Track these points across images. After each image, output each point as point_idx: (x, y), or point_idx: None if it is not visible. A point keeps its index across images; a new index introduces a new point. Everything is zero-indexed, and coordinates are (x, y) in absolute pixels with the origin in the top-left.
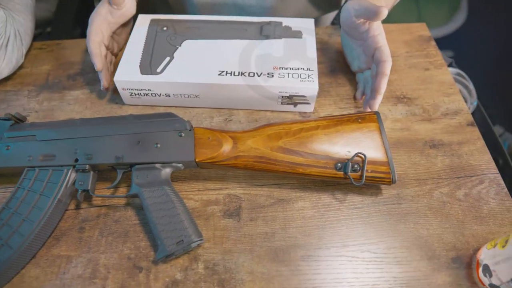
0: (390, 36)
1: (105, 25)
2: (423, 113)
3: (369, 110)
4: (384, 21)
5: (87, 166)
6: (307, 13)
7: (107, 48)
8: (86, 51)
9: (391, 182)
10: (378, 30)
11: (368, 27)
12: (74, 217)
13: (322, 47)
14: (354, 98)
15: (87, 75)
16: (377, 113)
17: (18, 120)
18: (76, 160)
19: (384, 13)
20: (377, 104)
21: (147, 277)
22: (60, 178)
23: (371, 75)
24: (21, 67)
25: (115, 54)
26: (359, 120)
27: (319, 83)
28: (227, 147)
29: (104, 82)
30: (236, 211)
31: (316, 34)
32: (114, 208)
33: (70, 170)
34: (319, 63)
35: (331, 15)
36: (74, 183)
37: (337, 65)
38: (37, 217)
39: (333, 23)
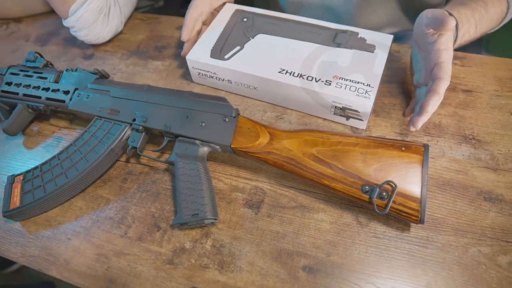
0: (481, 68)
1: (207, 2)
2: (490, 161)
3: (412, 128)
4: (479, 51)
5: (141, 127)
6: (394, 21)
7: (205, 23)
8: (177, 29)
9: (418, 221)
10: (444, 44)
11: (435, 39)
12: (121, 168)
13: (398, 66)
14: (403, 114)
15: (171, 49)
16: (425, 145)
17: (103, 76)
18: (134, 120)
19: (450, 24)
20: (420, 122)
21: (162, 237)
22: (118, 131)
23: (426, 91)
24: (121, 32)
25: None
26: (403, 148)
27: (382, 103)
28: (263, 141)
29: (184, 51)
30: (257, 203)
31: (397, 52)
32: (155, 170)
33: (127, 127)
34: (388, 81)
35: None
36: (127, 139)
37: (408, 88)
38: (92, 158)
39: None
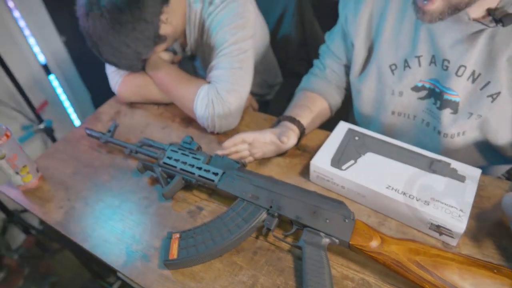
0: None
1: (260, 141)
2: None
3: None
4: None
5: (276, 214)
6: (473, 161)
7: (250, 151)
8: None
9: None
10: None
11: None
12: (252, 243)
13: (487, 195)
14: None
15: (291, 150)
16: None
17: (243, 166)
18: (271, 207)
19: None
20: None
21: None
22: (257, 213)
23: None
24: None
25: (255, 158)
26: (495, 271)
27: (471, 225)
28: (375, 243)
29: (219, 152)
30: None
31: (482, 181)
32: (280, 249)
33: (264, 211)
34: (478, 208)
35: (504, 167)
36: (263, 220)
37: (495, 216)
38: (235, 232)
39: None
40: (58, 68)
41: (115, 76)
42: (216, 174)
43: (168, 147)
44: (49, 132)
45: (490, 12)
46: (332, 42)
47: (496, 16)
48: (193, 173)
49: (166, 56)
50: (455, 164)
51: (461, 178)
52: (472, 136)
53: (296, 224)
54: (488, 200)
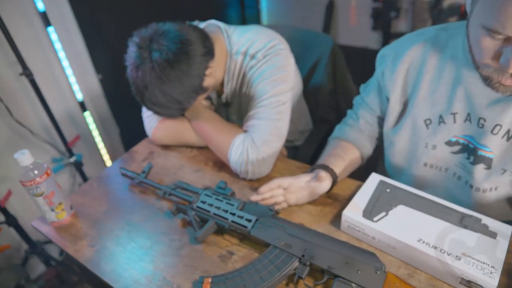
0: None
1: (296, 185)
2: None
3: None
4: None
5: (308, 262)
6: (503, 215)
7: (284, 196)
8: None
9: None
10: None
11: None
12: None
13: None
14: None
15: (322, 198)
16: None
17: (276, 213)
18: (303, 256)
19: None
20: None
21: None
22: (289, 261)
23: None
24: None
25: (289, 204)
26: None
27: (501, 281)
28: None
29: (253, 197)
30: None
31: None
32: None
33: (296, 260)
34: (508, 264)
35: None
36: (295, 269)
37: None
38: (267, 279)
39: None
40: (92, 105)
41: (151, 121)
42: (249, 220)
43: (203, 191)
44: (78, 166)
45: None
46: (368, 95)
47: None
48: (227, 219)
49: (205, 103)
50: (486, 220)
51: (493, 235)
52: (504, 192)
53: (327, 273)
54: None
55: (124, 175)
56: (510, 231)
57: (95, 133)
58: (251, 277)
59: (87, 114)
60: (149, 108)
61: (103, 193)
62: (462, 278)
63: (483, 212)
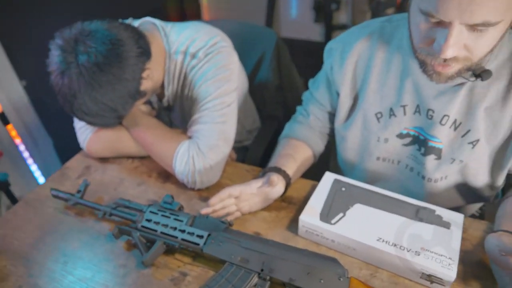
0: None
1: (247, 192)
2: None
3: None
4: None
5: (268, 277)
6: (452, 203)
7: (237, 205)
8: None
9: None
10: None
11: None
12: None
13: (468, 237)
14: None
15: (276, 203)
16: None
17: (229, 225)
18: (262, 270)
19: None
20: None
21: None
22: (248, 278)
23: None
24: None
25: (242, 213)
26: None
27: (458, 269)
28: None
29: (203, 211)
30: None
31: (463, 224)
32: None
33: (255, 275)
34: (461, 251)
35: (478, 205)
36: (255, 285)
37: (477, 257)
38: None
39: (481, 209)
40: (17, 116)
41: (84, 132)
42: (201, 236)
43: (147, 208)
44: (3, 187)
45: (470, 68)
46: (317, 90)
47: (475, 72)
48: (176, 237)
49: (144, 108)
50: (439, 210)
51: (447, 225)
52: (453, 180)
53: (289, 286)
54: (470, 242)
55: (55, 196)
56: (462, 220)
57: (22, 147)
58: None
59: (10, 127)
60: (80, 119)
61: (31, 220)
62: (422, 273)
63: (434, 201)
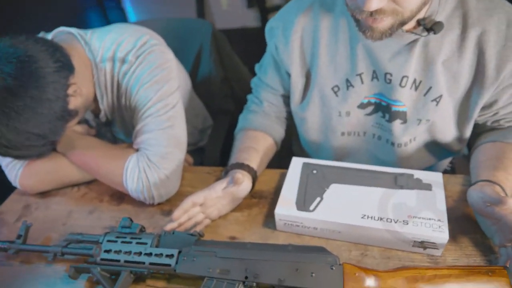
0: None
1: (212, 197)
2: None
3: None
4: None
5: (254, 284)
6: (424, 163)
7: (204, 213)
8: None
9: None
10: (509, 209)
11: (498, 209)
12: None
13: (449, 194)
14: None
15: (246, 200)
16: (506, 268)
17: (200, 236)
18: (246, 278)
19: (509, 203)
20: None
21: None
22: None
23: None
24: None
25: (211, 219)
26: (490, 274)
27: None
28: (370, 283)
29: (167, 227)
30: None
31: None
32: None
33: (240, 285)
34: (449, 209)
35: (447, 160)
36: None
37: (461, 212)
38: None
39: (451, 162)
40: None
41: (13, 168)
42: (171, 256)
43: (103, 237)
44: None
45: (420, 22)
46: (265, 74)
47: (426, 26)
48: (143, 262)
49: (80, 129)
50: (417, 173)
51: (428, 187)
52: (422, 140)
53: None
54: (451, 198)
55: None
56: (441, 179)
57: None
58: None
59: None
60: (3, 155)
61: None
62: (414, 241)
63: (407, 165)
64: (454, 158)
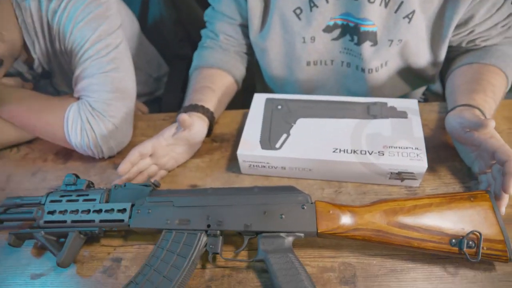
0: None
1: (162, 145)
2: None
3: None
4: None
5: (218, 232)
6: (397, 91)
7: (157, 164)
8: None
9: (508, 260)
10: (489, 133)
11: (479, 134)
12: (200, 276)
13: (424, 122)
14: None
15: (205, 145)
16: (488, 191)
17: (155, 187)
18: (208, 226)
19: (492, 125)
20: (504, 205)
21: None
22: (194, 240)
23: (493, 175)
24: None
25: (167, 169)
26: (472, 199)
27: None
28: (346, 220)
29: (115, 181)
30: (351, 278)
31: None
32: (237, 270)
33: (203, 234)
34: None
35: (419, 90)
36: (205, 245)
37: (438, 140)
38: (174, 276)
39: (424, 94)
40: None
41: None
42: (123, 210)
43: (46, 198)
44: None
45: None
46: (219, 2)
47: None
48: (93, 220)
49: (11, 81)
50: (391, 102)
51: (403, 114)
52: (395, 65)
53: (246, 234)
54: (428, 127)
55: None
56: (417, 105)
57: None
58: (152, 284)
59: None
60: None
61: None
62: (391, 173)
63: (379, 94)
64: (426, 89)
